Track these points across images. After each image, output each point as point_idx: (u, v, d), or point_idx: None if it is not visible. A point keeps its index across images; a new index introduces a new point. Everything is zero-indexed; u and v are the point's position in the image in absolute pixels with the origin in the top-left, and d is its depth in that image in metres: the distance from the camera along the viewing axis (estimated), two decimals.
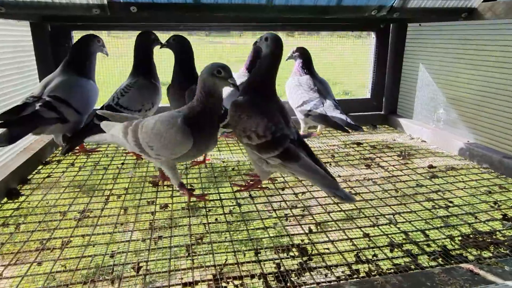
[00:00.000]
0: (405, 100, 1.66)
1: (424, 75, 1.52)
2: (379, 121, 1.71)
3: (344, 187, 1.03)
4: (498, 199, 0.96)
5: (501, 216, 0.87)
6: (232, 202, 0.95)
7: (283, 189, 1.03)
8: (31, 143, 1.27)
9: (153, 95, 1.23)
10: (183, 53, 1.16)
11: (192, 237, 0.78)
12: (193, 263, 0.69)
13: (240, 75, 1.42)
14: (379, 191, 1.02)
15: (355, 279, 0.64)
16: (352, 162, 1.24)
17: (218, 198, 0.97)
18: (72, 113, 1.15)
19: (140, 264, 0.70)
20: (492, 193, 1.00)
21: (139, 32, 1.23)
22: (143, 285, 0.65)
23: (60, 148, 1.33)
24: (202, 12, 1.04)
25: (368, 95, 1.72)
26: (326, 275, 0.67)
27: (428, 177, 1.11)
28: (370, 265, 0.70)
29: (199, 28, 1.47)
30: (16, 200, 0.96)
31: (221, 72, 0.80)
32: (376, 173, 1.15)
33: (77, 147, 1.26)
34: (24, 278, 0.67)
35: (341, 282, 0.62)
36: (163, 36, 1.37)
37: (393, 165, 1.20)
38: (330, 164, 1.22)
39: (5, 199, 0.96)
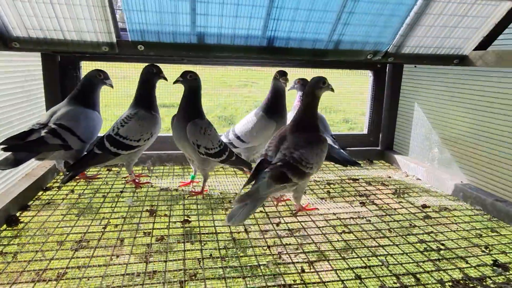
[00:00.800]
0: (401, 137, 1.70)
1: (419, 114, 1.56)
2: (375, 156, 1.74)
3: (338, 224, 1.05)
4: (490, 243, 0.97)
5: (491, 261, 0.88)
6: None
7: (278, 224, 1.05)
8: (33, 168, 1.29)
9: (152, 126, 1.26)
10: (194, 90, 1.19)
11: (185, 273, 0.80)
12: None
13: None
14: (372, 230, 1.04)
15: None
16: (347, 198, 1.26)
17: (214, 231, 0.99)
18: (76, 141, 1.19)
19: None
20: (483, 236, 1.01)
21: (145, 65, 1.28)
22: None
23: (61, 174, 1.36)
24: (206, 52, 1.09)
25: (365, 131, 1.76)
26: None
27: (421, 217, 1.12)
28: None
29: (203, 63, 1.53)
30: (15, 228, 0.98)
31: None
32: (371, 211, 1.16)
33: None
34: None
35: None
36: (168, 67, 1.43)
37: (387, 203, 1.22)
38: (325, 200, 1.24)
39: (4, 226, 0.98)
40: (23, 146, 1.08)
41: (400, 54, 1.20)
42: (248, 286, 0.76)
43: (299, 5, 1.02)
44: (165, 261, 0.84)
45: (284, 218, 1.09)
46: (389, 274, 0.83)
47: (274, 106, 1.35)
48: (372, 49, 1.17)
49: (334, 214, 1.13)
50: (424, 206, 1.20)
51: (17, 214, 1.04)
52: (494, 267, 0.86)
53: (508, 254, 0.92)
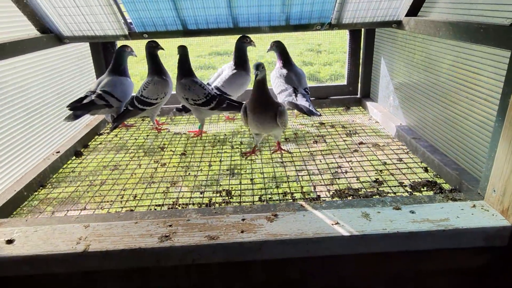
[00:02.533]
0: (374, 87, 2.00)
1: (383, 67, 1.84)
2: (354, 103, 2.07)
3: (287, 158, 1.48)
4: (388, 168, 1.34)
5: (374, 179, 1.27)
6: None
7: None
8: (90, 120, 1.89)
9: (166, 88, 1.75)
10: (180, 57, 1.66)
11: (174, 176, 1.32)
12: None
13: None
14: (308, 156, 1.46)
15: None
16: (307, 139, 1.67)
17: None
18: (115, 101, 1.73)
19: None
20: (387, 164, 1.38)
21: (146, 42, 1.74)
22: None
23: (109, 124, 1.95)
24: (187, 34, 1.52)
25: (345, 82, 2.08)
26: None
27: (351, 150, 1.51)
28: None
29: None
30: (80, 158, 1.58)
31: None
32: (317, 146, 1.57)
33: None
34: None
35: None
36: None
37: (335, 141, 1.61)
38: (288, 139, 1.67)
39: (74, 157, 1.59)
40: (80, 106, 1.65)
41: (342, 24, 1.50)
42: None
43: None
44: (164, 173, 1.37)
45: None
46: (300, 184, 1.27)
47: (244, 63, 1.79)
48: (317, 22, 1.49)
49: (289, 151, 1.56)
50: (361, 143, 1.57)
51: (81, 150, 1.65)
52: (373, 183, 1.25)
53: (394, 175, 1.29)
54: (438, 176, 1.27)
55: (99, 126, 1.88)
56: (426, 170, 1.31)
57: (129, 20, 1.49)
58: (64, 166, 1.49)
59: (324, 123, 1.84)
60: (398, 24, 1.51)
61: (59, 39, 1.52)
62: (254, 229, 0.90)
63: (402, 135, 1.56)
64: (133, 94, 1.82)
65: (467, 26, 1.06)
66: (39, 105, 1.48)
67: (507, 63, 0.90)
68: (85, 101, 1.66)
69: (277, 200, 1.18)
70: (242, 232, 0.89)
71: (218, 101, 1.67)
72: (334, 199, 1.15)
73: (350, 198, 1.16)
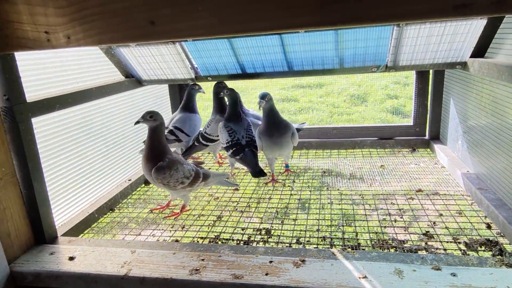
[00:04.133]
0: (444, 128, 1.86)
1: (452, 109, 1.72)
2: (422, 145, 1.95)
3: (336, 198, 1.46)
4: (444, 221, 1.23)
5: (424, 232, 1.18)
6: None
7: None
8: None
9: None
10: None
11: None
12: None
13: None
14: (359, 200, 1.41)
15: None
16: (362, 180, 1.62)
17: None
18: (184, 136, 1.92)
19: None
20: (443, 215, 1.27)
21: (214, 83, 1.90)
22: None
23: None
24: (245, 77, 1.64)
25: (411, 122, 1.98)
26: None
27: (407, 197, 1.42)
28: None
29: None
30: (148, 186, 1.77)
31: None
32: (370, 190, 1.51)
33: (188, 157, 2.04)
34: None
35: None
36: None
37: (391, 185, 1.53)
38: (342, 178, 1.64)
39: (143, 185, 1.78)
40: None
41: (399, 66, 1.47)
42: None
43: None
44: (215, 207, 1.46)
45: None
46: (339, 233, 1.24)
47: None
48: (372, 64, 1.49)
49: (339, 190, 1.53)
50: (419, 190, 1.47)
51: None
52: (422, 236, 1.16)
53: (449, 229, 1.18)
54: (501, 235, 1.12)
55: None
56: (489, 226, 1.18)
57: (195, 65, 1.67)
58: (133, 193, 1.69)
59: (384, 165, 1.76)
60: (463, 65, 1.42)
61: (139, 82, 1.77)
62: (278, 272, 0.92)
63: (467, 184, 1.42)
64: (201, 128, 1.99)
65: None
66: (118, 138, 1.71)
67: None
68: None
69: (314, 243, 1.17)
70: (266, 274, 0.91)
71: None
72: (371, 250, 1.10)
73: (392, 250, 1.10)
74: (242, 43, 1.46)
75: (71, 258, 1.05)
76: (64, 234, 1.25)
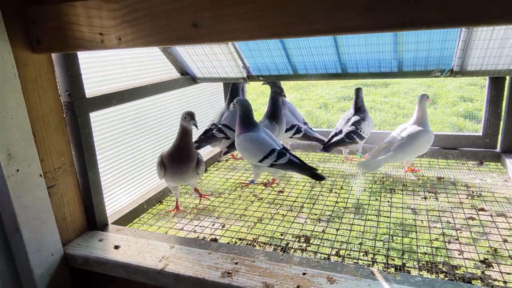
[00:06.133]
0: None
1: None
2: (491, 158, 1.75)
3: (384, 211, 1.37)
4: (509, 249, 1.09)
5: (482, 259, 1.05)
6: None
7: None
8: (212, 149, 2.15)
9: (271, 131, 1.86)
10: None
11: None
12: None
13: None
14: (410, 218, 1.31)
15: None
16: (416, 192, 1.50)
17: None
18: (232, 133, 1.94)
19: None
20: (508, 242, 1.12)
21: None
22: None
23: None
24: (297, 78, 1.59)
25: (480, 132, 1.78)
26: None
27: (465, 217, 1.28)
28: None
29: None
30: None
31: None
32: (425, 204, 1.40)
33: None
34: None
35: None
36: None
37: (449, 201, 1.40)
38: (393, 190, 1.53)
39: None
40: (203, 138, 1.90)
41: (467, 71, 1.33)
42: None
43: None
44: (257, 208, 1.46)
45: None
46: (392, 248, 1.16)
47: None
48: (435, 68, 1.36)
49: (391, 203, 1.44)
50: (481, 209, 1.32)
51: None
52: (479, 263, 1.04)
53: (511, 258, 1.05)
54: None
55: (216, 155, 2.12)
56: None
57: (247, 65, 1.67)
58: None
59: (443, 178, 1.62)
60: None
61: (193, 80, 1.82)
62: (310, 287, 0.88)
63: None
64: None
65: None
66: (171, 133, 1.78)
67: None
68: (208, 134, 1.91)
69: (355, 257, 1.11)
70: (297, 287, 0.88)
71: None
72: (417, 273, 1.01)
73: (441, 275, 1.00)
74: (294, 44, 1.42)
75: (116, 247, 1.11)
76: (114, 222, 1.33)
